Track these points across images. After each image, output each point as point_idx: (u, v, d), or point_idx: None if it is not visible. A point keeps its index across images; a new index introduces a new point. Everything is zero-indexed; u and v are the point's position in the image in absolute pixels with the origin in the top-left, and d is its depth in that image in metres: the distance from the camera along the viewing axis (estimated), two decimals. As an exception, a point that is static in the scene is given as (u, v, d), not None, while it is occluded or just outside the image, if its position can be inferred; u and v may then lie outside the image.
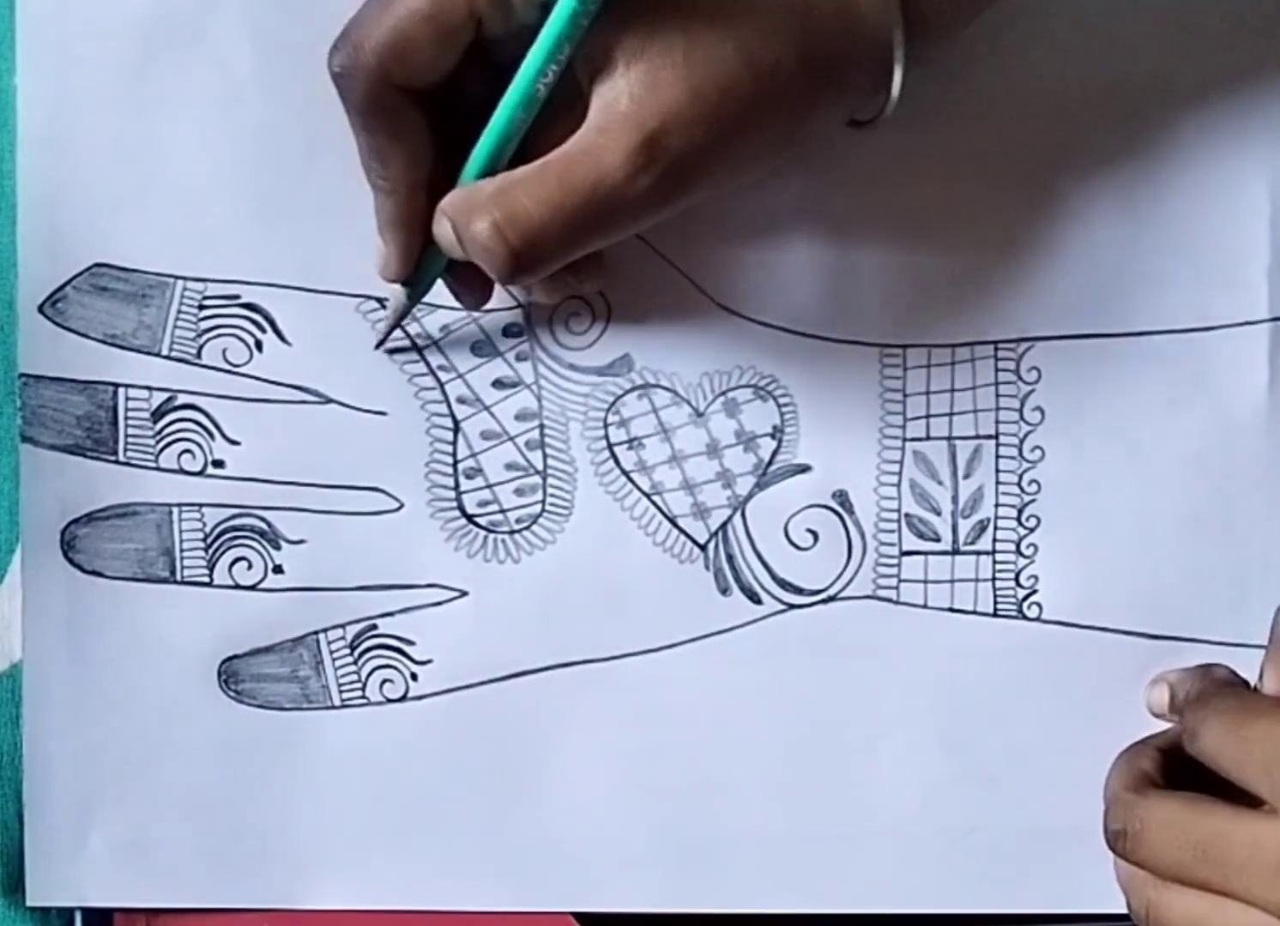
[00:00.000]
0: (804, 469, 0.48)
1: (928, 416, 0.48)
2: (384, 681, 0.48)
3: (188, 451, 0.48)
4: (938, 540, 0.48)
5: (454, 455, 0.48)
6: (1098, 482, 0.48)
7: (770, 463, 0.48)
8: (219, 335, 0.47)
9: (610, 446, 0.48)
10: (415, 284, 0.45)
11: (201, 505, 0.48)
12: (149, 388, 0.48)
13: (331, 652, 0.48)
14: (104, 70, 0.47)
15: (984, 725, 0.48)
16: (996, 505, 0.48)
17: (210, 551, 0.48)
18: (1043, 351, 0.48)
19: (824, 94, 0.42)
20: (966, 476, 0.48)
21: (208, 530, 0.48)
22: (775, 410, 0.48)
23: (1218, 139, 0.47)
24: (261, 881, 0.48)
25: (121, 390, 0.47)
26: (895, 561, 0.48)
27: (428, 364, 0.48)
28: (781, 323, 0.48)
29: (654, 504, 0.48)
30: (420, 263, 0.44)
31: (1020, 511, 0.48)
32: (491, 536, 0.48)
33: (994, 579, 0.48)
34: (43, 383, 0.47)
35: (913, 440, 0.48)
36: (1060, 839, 0.48)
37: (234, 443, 0.48)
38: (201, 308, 0.47)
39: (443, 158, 0.43)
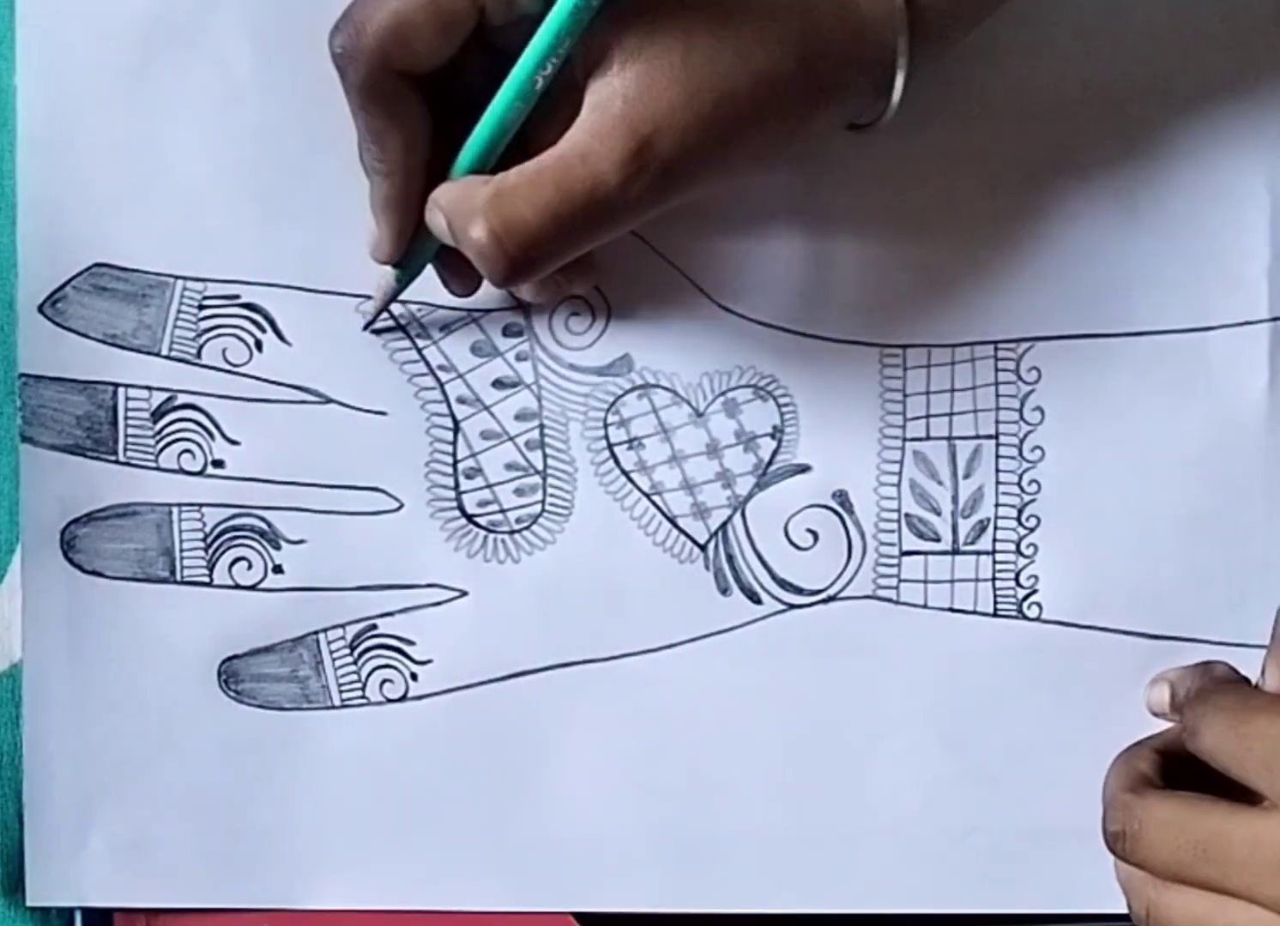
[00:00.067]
0: (804, 469, 0.48)
1: (928, 416, 0.48)
2: (384, 681, 0.48)
3: (188, 451, 0.48)
4: (938, 540, 0.48)
5: (454, 455, 0.48)
6: (1098, 483, 0.48)
7: (770, 463, 0.48)
8: (219, 335, 0.47)
9: (610, 446, 0.48)
10: (406, 266, 0.45)
11: (201, 505, 0.48)
12: (149, 387, 0.48)
13: (331, 652, 0.48)
14: (104, 70, 0.47)
15: (984, 725, 0.48)
16: (996, 505, 0.48)
17: (210, 551, 0.48)
18: (1043, 351, 0.48)
19: (824, 100, 0.42)
20: (966, 476, 0.48)
21: (208, 530, 0.48)
22: (775, 410, 0.48)
23: (1217, 139, 0.47)
24: (261, 881, 0.48)
25: (121, 390, 0.47)
26: (895, 561, 0.48)
27: (428, 364, 0.48)
28: (781, 323, 0.48)
29: (654, 504, 0.48)
30: (412, 246, 0.44)
31: (1020, 511, 0.48)
32: (491, 536, 0.48)
33: (994, 579, 0.48)
34: (43, 382, 0.47)
35: (913, 440, 0.48)
36: (1060, 839, 0.48)
37: (234, 442, 0.48)
38: (201, 307, 0.47)
39: (440, 141, 0.42)
